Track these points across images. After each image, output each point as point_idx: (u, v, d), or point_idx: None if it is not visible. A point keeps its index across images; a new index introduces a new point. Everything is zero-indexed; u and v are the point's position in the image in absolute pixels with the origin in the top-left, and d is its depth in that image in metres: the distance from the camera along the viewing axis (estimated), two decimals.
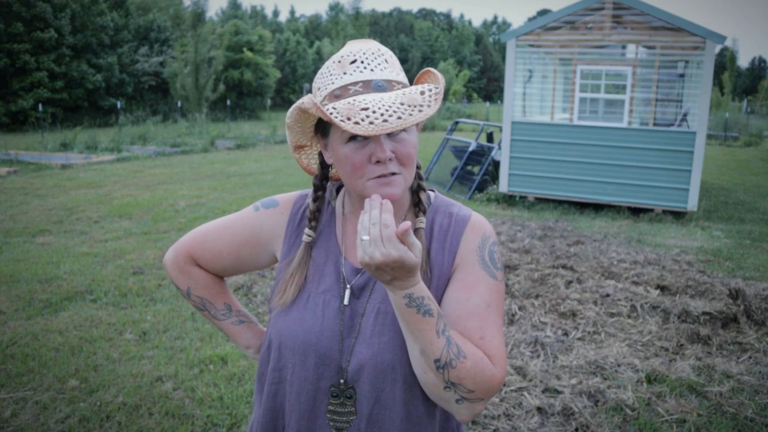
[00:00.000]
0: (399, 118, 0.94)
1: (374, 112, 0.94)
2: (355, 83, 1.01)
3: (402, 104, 0.96)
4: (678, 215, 8.25)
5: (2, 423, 2.92)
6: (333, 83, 1.03)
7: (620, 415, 3.08)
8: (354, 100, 0.97)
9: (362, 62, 1.03)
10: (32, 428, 2.89)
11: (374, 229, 0.92)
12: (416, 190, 1.14)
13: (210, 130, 19.89)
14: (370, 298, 1.09)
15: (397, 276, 0.94)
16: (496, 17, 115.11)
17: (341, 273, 1.12)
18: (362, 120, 0.93)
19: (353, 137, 1.01)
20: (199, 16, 29.11)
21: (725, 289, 4.83)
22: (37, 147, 15.42)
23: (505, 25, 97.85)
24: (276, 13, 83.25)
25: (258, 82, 36.44)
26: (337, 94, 1.02)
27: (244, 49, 35.53)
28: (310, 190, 1.22)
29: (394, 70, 1.05)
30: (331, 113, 0.95)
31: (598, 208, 8.65)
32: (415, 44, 75.15)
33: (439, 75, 1.05)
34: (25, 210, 7.87)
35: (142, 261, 5.64)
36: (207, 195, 9.28)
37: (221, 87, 30.49)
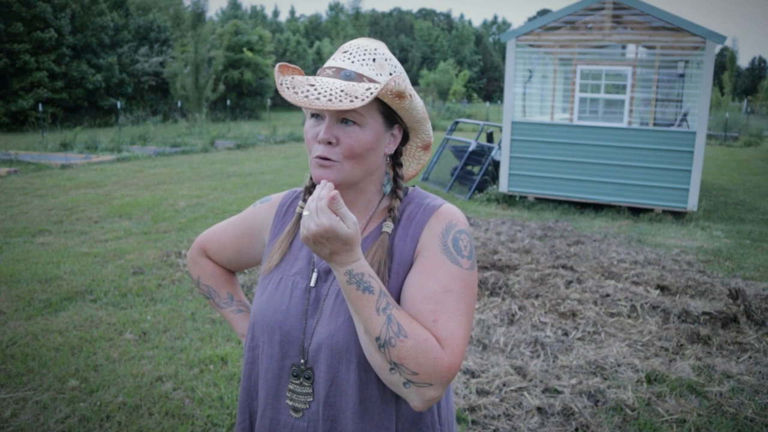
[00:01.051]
0: (329, 100, 1.00)
1: (316, 90, 1.01)
2: (331, 67, 1.08)
3: (342, 91, 1.01)
4: (678, 215, 8.25)
5: (2, 423, 2.92)
6: (323, 65, 1.11)
7: (620, 415, 3.08)
8: (314, 78, 1.04)
9: (351, 54, 1.09)
10: (32, 428, 2.89)
11: (312, 204, 0.98)
12: (391, 196, 1.16)
13: (210, 130, 19.88)
14: (334, 281, 1.12)
15: (335, 249, 0.97)
16: (496, 17, 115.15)
17: (312, 257, 1.17)
18: (300, 92, 1.01)
19: (313, 115, 1.08)
20: (199, 16, 29.10)
21: (725, 289, 4.84)
22: (37, 147, 15.42)
23: (505, 25, 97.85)
24: (276, 13, 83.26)
25: (258, 82, 36.43)
26: (316, 73, 1.10)
27: (244, 49, 35.52)
28: (302, 188, 1.29)
29: (377, 70, 1.08)
30: (281, 82, 1.04)
31: (598, 208, 8.65)
32: (415, 44, 75.16)
33: (396, 82, 1.04)
34: (25, 210, 7.87)
35: (142, 261, 5.64)
36: (207, 195, 9.28)
37: (221, 87, 30.48)
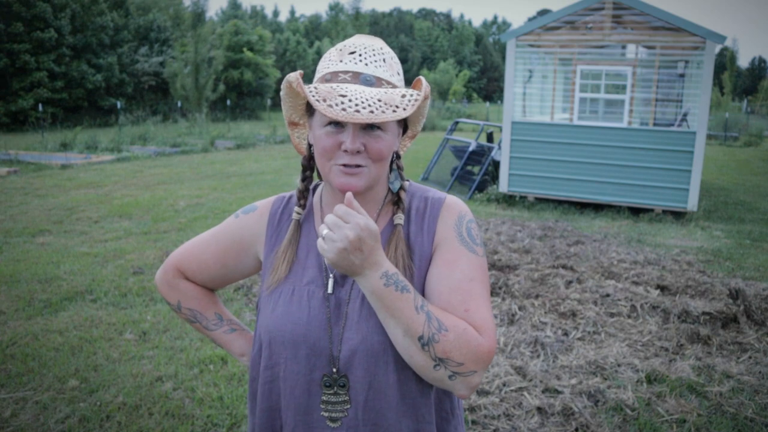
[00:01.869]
0: (371, 112, 0.97)
1: (350, 100, 0.98)
2: (346, 72, 1.05)
3: (379, 101, 0.99)
4: (678, 215, 8.25)
5: (2, 423, 2.92)
6: (328, 68, 1.07)
7: (620, 415, 3.08)
8: (338, 86, 1.01)
9: (360, 55, 1.06)
10: (32, 428, 2.89)
11: (329, 219, 0.97)
12: (398, 190, 1.16)
13: (210, 130, 19.90)
14: (354, 284, 1.10)
15: (369, 251, 0.97)
16: (496, 17, 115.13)
17: (323, 263, 1.13)
18: (336, 105, 0.97)
19: (331, 122, 1.05)
20: (199, 16, 29.12)
21: (725, 289, 4.84)
22: (37, 147, 15.42)
23: (505, 25, 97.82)
24: (276, 13, 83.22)
25: (258, 82, 36.44)
26: (327, 78, 1.06)
27: (244, 49, 35.52)
28: (289, 193, 1.26)
29: (389, 71, 1.07)
30: (310, 92, 0.99)
31: (598, 208, 8.65)
32: (415, 44, 75.16)
33: (426, 84, 1.08)
34: (25, 210, 7.87)
35: (142, 261, 5.64)
36: (207, 195, 9.28)
37: (221, 87, 30.49)
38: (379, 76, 1.05)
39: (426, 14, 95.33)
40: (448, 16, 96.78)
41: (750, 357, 3.75)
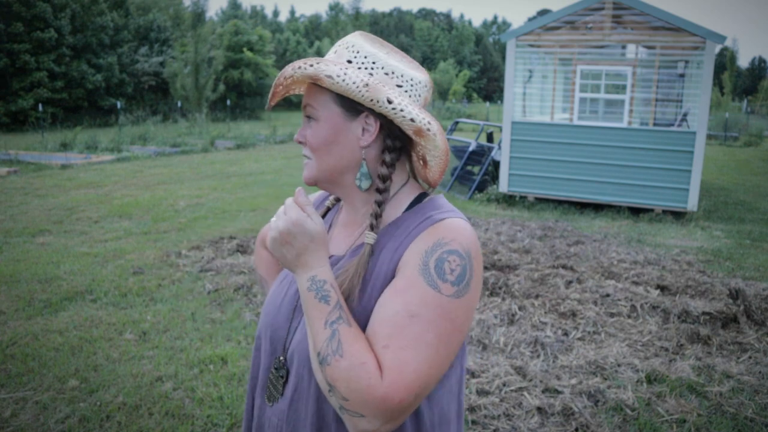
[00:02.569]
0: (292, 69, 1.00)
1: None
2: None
3: (316, 63, 0.99)
4: (678, 215, 8.25)
5: (2, 423, 2.92)
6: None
7: (620, 415, 3.08)
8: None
9: (335, 52, 1.08)
10: (32, 428, 2.89)
11: (280, 208, 0.98)
12: (380, 202, 1.02)
13: (210, 130, 19.89)
14: None
15: (302, 248, 0.96)
16: (496, 17, 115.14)
17: None
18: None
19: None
20: (199, 16, 29.13)
21: (725, 289, 4.84)
22: (37, 147, 15.42)
23: (505, 25, 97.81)
24: (276, 13, 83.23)
25: (258, 82, 36.45)
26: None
27: (244, 49, 35.54)
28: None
29: (335, 58, 1.06)
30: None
31: (598, 208, 8.65)
32: (415, 44, 75.13)
33: (304, 64, 1.01)
34: (25, 210, 7.87)
35: (142, 261, 5.64)
36: (207, 195, 9.28)
37: (221, 87, 30.49)
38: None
39: (426, 14, 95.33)
40: (448, 16, 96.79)
41: (750, 357, 3.75)
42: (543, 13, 58.22)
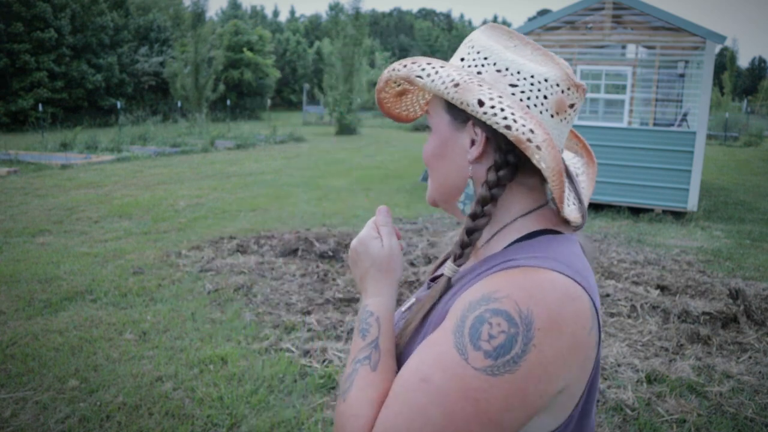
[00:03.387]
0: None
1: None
2: None
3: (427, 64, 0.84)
4: (678, 215, 8.25)
5: (2, 423, 2.92)
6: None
7: (620, 415, 3.08)
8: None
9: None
10: (32, 428, 2.89)
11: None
12: (468, 229, 0.84)
13: (210, 130, 19.89)
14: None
15: (364, 272, 0.91)
16: (496, 17, 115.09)
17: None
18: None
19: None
20: (199, 16, 29.08)
21: (725, 289, 4.84)
22: (37, 147, 15.42)
23: (505, 25, 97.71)
24: (276, 13, 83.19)
25: (258, 82, 36.45)
26: None
27: (244, 49, 35.54)
28: None
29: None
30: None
31: (598, 208, 8.65)
32: (415, 44, 75.17)
33: (402, 65, 0.88)
34: (25, 210, 7.87)
35: (142, 261, 5.64)
36: (207, 195, 9.28)
37: (221, 87, 30.47)
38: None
39: (426, 14, 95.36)
40: (448, 16, 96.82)
41: (750, 357, 3.75)
42: (543, 13, 58.17)
